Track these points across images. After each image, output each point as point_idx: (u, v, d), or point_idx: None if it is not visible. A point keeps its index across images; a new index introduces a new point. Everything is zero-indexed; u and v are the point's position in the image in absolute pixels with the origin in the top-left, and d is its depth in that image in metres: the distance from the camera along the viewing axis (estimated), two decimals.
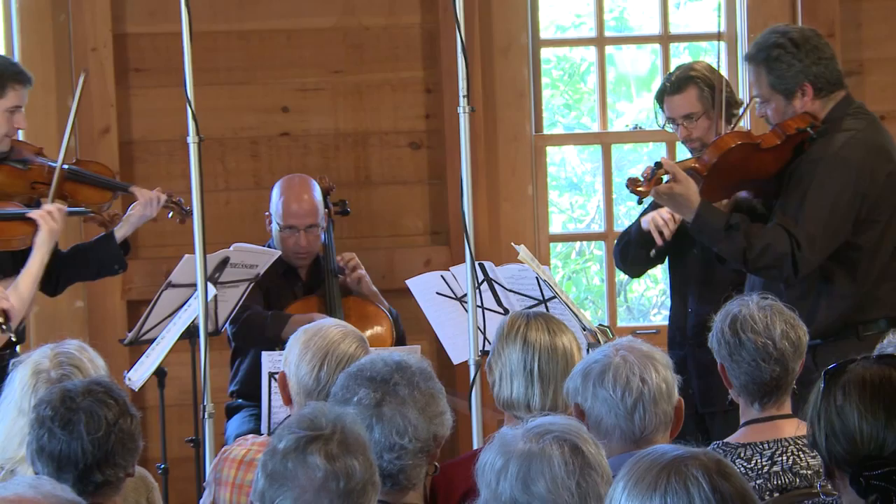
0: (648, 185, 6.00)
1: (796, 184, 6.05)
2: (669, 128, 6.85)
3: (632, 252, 6.79)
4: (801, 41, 6.07)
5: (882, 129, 6.19)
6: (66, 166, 6.72)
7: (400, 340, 7.32)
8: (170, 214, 6.97)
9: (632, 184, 6.04)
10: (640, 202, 6.35)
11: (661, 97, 6.80)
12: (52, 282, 6.80)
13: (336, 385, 4.36)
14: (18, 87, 6.61)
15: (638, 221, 6.73)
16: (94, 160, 7.35)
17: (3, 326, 5.89)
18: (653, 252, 6.64)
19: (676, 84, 6.75)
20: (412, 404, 4.23)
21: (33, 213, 6.36)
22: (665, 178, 5.97)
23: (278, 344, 6.93)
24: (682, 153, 8.20)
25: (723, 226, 5.99)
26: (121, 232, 6.88)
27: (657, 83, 8.49)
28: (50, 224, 6.36)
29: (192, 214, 6.80)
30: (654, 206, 6.64)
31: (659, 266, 7.05)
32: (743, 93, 7.89)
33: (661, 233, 6.51)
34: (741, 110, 6.78)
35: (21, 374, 4.94)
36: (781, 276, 5.97)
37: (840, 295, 6.04)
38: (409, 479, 4.24)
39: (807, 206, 5.97)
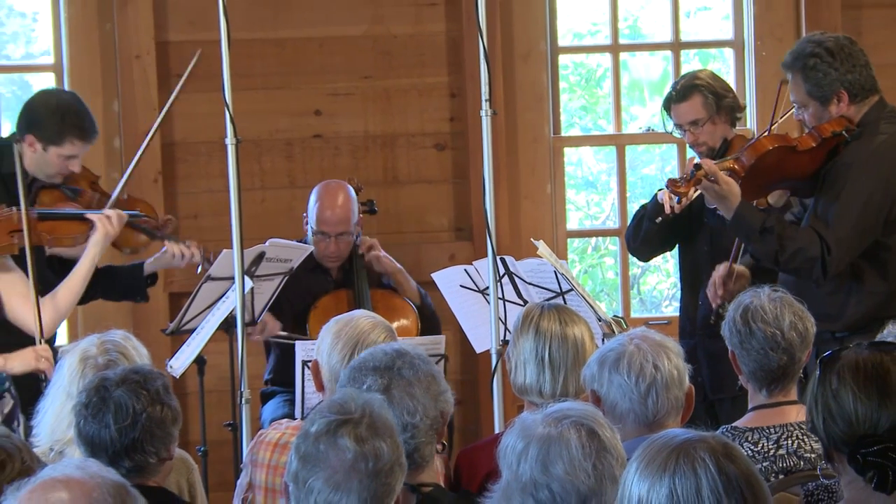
0: (688, 186, 5.98)
1: (830, 185, 6.01)
2: (677, 133, 6.85)
3: (644, 226, 6.77)
4: (836, 50, 6.03)
5: None
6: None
7: (431, 317, 7.27)
8: (198, 269, 6.90)
9: (672, 184, 6.01)
10: (679, 202, 6.33)
11: (668, 105, 6.80)
12: (87, 292, 6.78)
13: (342, 380, 4.37)
14: (77, 143, 6.55)
15: (654, 197, 6.70)
16: (143, 200, 7.30)
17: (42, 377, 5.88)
18: (658, 219, 6.55)
19: (682, 92, 6.74)
20: (417, 385, 4.24)
21: (92, 215, 6.31)
22: (708, 178, 5.94)
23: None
24: (692, 154, 8.21)
25: (759, 227, 5.95)
26: (150, 267, 6.91)
27: (668, 88, 8.49)
28: (107, 227, 6.30)
29: (210, 263, 6.80)
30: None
31: (671, 261, 7.04)
32: (749, 96, 7.87)
33: (671, 206, 6.46)
34: (781, 114, 6.74)
35: (70, 361, 4.97)
36: (811, 277, 5.94)
37: (869, 292, 6.02)
38: (423, 457, 4.24)
39: (839, 208, 5.93)
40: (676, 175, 6.21)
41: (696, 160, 6.14)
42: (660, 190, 6.66)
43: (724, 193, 5.95)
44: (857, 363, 3.60)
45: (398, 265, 7.45)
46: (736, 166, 6.06)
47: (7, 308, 6.06)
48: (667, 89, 7.06)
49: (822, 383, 3.62)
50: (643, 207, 6.82)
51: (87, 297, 6.74)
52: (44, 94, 6.70)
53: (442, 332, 7.14)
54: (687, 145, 8.14)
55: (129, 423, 4.26)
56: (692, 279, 6.79)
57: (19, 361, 5.93)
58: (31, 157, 6.53)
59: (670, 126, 6.82)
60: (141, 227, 6.89)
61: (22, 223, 6.07)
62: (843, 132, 6.01)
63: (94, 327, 6.06)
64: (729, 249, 6.34)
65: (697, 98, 6.69)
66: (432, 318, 7.25)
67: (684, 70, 8.39)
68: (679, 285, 7.02)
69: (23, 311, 6.08)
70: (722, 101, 6.71)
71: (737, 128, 6.87)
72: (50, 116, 6.51)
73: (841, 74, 6.02)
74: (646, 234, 6.79)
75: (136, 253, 7.03)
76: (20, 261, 6.17)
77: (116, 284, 6.84)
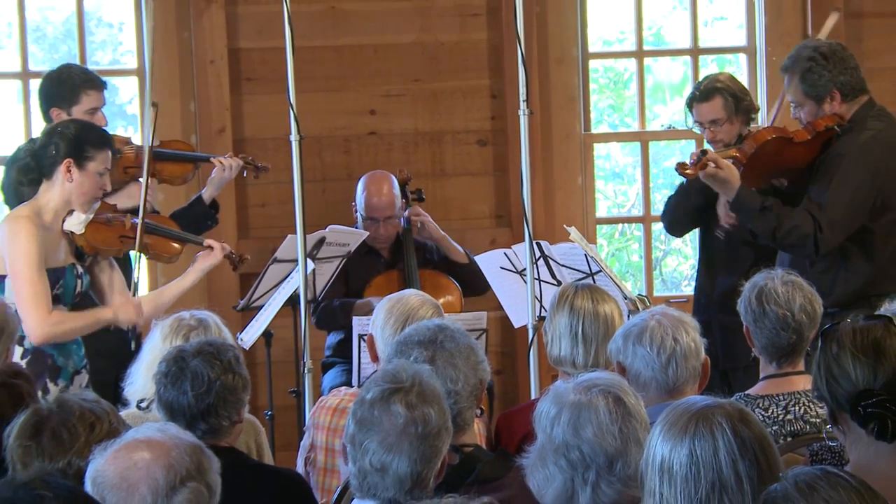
0: (695, 169, 6.01)
1: (823, 174, 6.02)
2: (697, 130, 6.82)
3: (674, 199, 6.80)
4: (830, 54, 6.05)
5: None
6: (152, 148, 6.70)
7: (477, 272, 7.17)
8: (244, 173, 6.95)
9: (681, 167, 6.06)
10: (687, 183, 6.40)
11: (690, 104, 6.78)
12: None
13: (388, 351, 4.38)
14: (92, 93, 6.58)
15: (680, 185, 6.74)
16: (175, 139, 7.39)
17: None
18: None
19: (704, 93, 6.71)
20: (458, 356, 4.24)
21: (212, 242, 6.23)
22: (711, 164, 5.96)
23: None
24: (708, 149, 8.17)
25: (758, 207, 5.99)
26: (206, 194, 6.92)
27: (688, 89, 8.44)
28: (217, 256, 6.22)
29: (264, 169, 6.82)
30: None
31: (689, 245, 7.03)
32: (762, 98, 7.83)
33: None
34: (775, 110, 6.75)
35: (162, 328, 5.01)
36: (805, 253, 5.96)
37: (856, 272, 6.01)
38: (465, 420, 4.24)
39: (830, 194, 5.94)
40: (684, 160, 6.22)
41: (704, 148, 6.14)
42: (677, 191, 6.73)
43: (726, 177, 5.98)
44: (853, 331, 3.65)
45: (442, 232, 7.45)
46: (738, 154, 6.10)
47: (107, 301, 6.05)
48: (688, 89, 7.05)
49: (825, 351, 3.66)
50: (673, 196, 6.82)
51: None
52: (48, 74, 6.71)
53: (485, 298, 7.15)
54: (705, 141, 8.14)
55: (204, 390, 4.27)
56: (709, 261, 6.78)
57: (124, 314, 5.93)
58: None
59: (691, 122, 6.80)
60: (184, 156, 6.95)
61: (136, 231, 6.07)
62: (836, 127, 6.03)
63: (175, 304, 6.10)
64: (740, 240, 6.33)
65: (718, 99, 6.66)
66: (479, 274, 7.13)
67: (702, 73, 8.37)
68: (697, 266, 6.99)
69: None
70: (740, 103, 6.69)
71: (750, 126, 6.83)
72: (57, 83, 6.56)
73: (834, 76, 6.03)
74: (677, 204, 6.80)
75: (186, 182, 7.06)
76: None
77: (188, 222, 6.75)
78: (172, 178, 6.93)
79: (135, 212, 6.30)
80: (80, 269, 5.86)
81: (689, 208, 6.77)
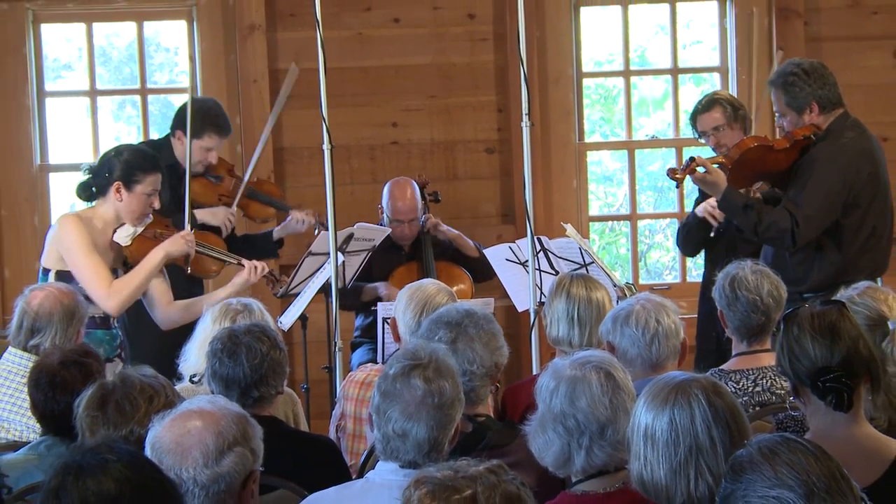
0: (683, 173, 5.99)
1: (800, 176, 6.00)
2: (703, 140, 6.76)
3: (692, 235, 6.71)
4: (811, 71, 6.03)
5: (870, 138, 6.11)
6: (247, 184, 6.75)
7: (486, 261, 7.16)
8: (316, 231, 6.90)
9: (671, 172, 6.02)
10: (677, 186, 6.41)
11: (694, 116, 6.74)
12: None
13: (421, 329, 4.38)
14: (214, 136, 6.61)
15: (693, 213, 6.67)
16: (270, 182, 7.39)
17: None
18: (712, 233, 6.58)
19: (705, 105, 6.70)
20: (479, 341, 4.24)
21: (247, 262, 6.17)
22: (699, 168, 5.94)
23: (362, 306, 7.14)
24: (686, 157, 8.16)
25: (742, 205, 5.97)
26: (278, 234, 6.98)
27: (670, 104, 8.45)
28: (252, 276, 6.15)
29: (324, 227, 6.77)
30: (703, 197, 6.61)
31: (671, 239, 6.99)
32: None
33: (713, 217, 6.49)
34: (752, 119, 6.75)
35: (212, 312, 5.01)
36: (783, 246, 5.95)
37: (829, 262, 5.99)
38: (478, 396, 4.23)
39: (806, 194, 5.92)
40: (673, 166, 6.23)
41: (692, 155, 6.12)
42: (695, 207, 6.68)
43: (714, 180, 5.97)
44: (812, 315, 3.65)
45: (455, 231, 7.45)
46: (725, 160, 6.07)
47: (151, 305, 6.02)
48: (671, 102, 7.01)
49: (787, 333, 3.67)
50: (686, 223, 6.76)
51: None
52: (192, 100, 6.64)
53: (492, 286, 7.14)
54: (684, 149, 8.14)
55: (258, 361, 4.26)
56: (716, 257, 6.66)
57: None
58: (180, 148, 6.58)
59: (696, 134, 6.76)
60: (271, 202, 6.96)
61: None
62: (812, 136, 6.00)
63: None
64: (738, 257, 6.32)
65: (718, 109, 6.66)
66: (487, 264, 7.09)
67: (682, 90, 8.38)
68: (704, 265, 6.89)
69: (163, 309, 6.03)
70: (737, 113, 6.68)
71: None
72: (193, 114, 6.50)
73: (814, 90, 6.01)
74: (695, 240, 6.71)
75: (265, 223, 7.11)
76: None
77: (254, 249, 6.84)
78: (256, 216, 7.02)
79: (209, 228, 6.35)
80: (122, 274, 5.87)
81: (690, 241, 6.76)
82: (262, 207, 6.99)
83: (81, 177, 5.91)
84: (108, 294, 5.66)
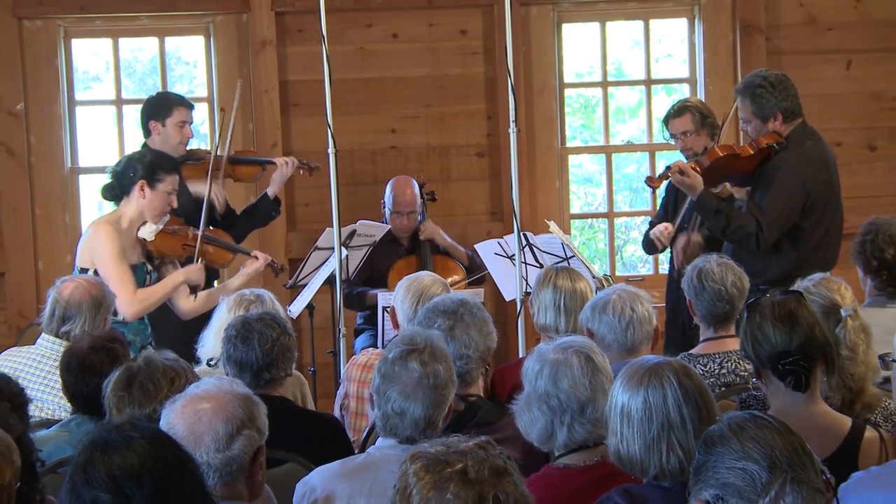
0: (659, 181, 6.08)
1: (764, 182, 6.00)
2: (672, 141, 6.83)
3: (650, 246, 6.89)
4: (777, 82, 6.02)
5: (826, 147, 6.12)
6: (227, 155, 6.76)
7: (475, 262, 7.21)
8: (301, 171, 6.95)
9: (649, 180, 6.14)
10: (653, 192, 6.62)
11: (666, 120, 6.79)
12: (242, 231, 6.83)
13: (419, 316, 4.37)
14: (182, 109, 6.60)
15: (649, 231, 6.83)
16: (247, 148, 7.46)
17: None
18: (661, 249, 6.82)
19: (676, 111, 6.74)
20: (473, 327, 4.24)
21: (258, 254, 6.22)
22: (677, 172, 5.97)
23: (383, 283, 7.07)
24: (659, 161, 8.16)
25: (714, 208, 5.98)
26: (271, 191, 6.89)
27: (644, 112, 8.45)
28: (260, 264, 6.18)
29: (316, 168, 6.85)
30: (668, 200, 6.80)
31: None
32: None
33: (660, 241, 6.69)
34: (722, 128, 6.74)
35: (227, 302, 5.00)
36: (748, 247, 5.94)
37: (785, 258, 6.00)
38: (472, 377, 4.24)
39: (770, 200, 5.93)
40: (650, 174, 6.25)
41: (670, 163, 6.14)
42: (650, 228, 6.85)
43: (692, 183, 5.98)
44: (772, 304, 3.67)
45: (449, 240, 7.44)
46: (697, 167, 6.07)
47: (178, 303, 6.04)
48: (645, 110, 7.03)
49: (750, 320, 3.69)
50: (648, 233, 6.89)
51: (244, 234, 6.83)
52: (145, 100, 6.77)
53: (484, 280, 7.14)
54: (656, 153, 8.13)
55: (269, 346, 4.25)
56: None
57: (193, 273, 5.96)
58: (157, 138, 6.57)
59: (667, 135, 6.81)
60: (254, 161, 6.95)
61: (197, 241, 6.08)
62: (775, 144, 6.00)
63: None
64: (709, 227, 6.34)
65: (687, 115, 6.69)
66: (478, 267, 7.16)
67: (655, 100, 8.38)
68: (670, 260, 6.94)
69: (183, 302, 6.05)
70: (705, 120, 6.71)
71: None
72: (155, 102, 6.61)
73: (779, 101, 6.00)
74: (653, 249, 6.91)
75: (255, 181, 7.07)
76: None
77: (257, 216, 6.86)
78: (245, 177, 6.99)
79: (198, 202, 6.35)
80: (149, 267, 5.94)
81: (651, 249, 6.94)
82: (247, 168, 6.92)
83: (106, 179, 5.93)
84: (132, 301, 5.72)
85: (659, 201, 7.19)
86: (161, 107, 6.57)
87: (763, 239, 5.90)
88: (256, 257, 6.23)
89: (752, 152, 6.02)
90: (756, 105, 6.01)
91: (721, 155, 6.06)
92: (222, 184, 6.72)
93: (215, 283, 6.70)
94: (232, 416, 3.05)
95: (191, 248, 6.03)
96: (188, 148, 6.71)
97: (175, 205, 5.90)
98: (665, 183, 6.04)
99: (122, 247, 5.73)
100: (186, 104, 6.66)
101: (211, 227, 6.42)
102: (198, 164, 6.71)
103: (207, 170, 6.55)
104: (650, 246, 6.90)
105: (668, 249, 6.87)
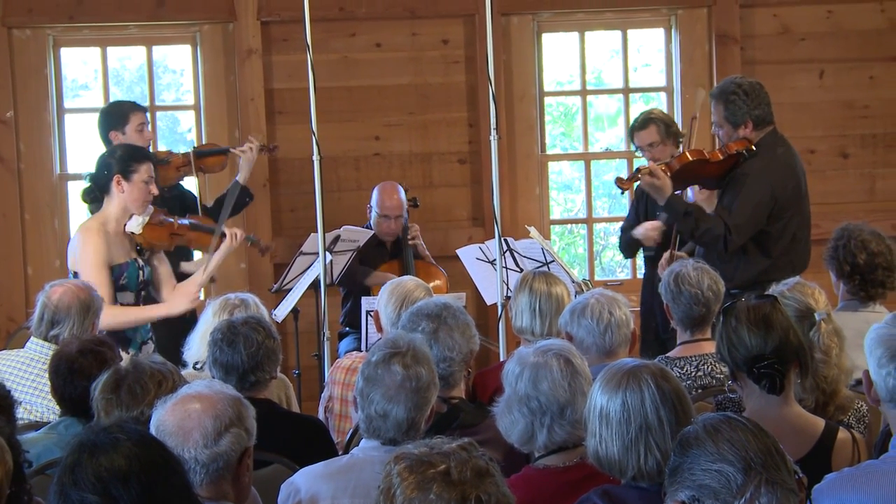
0: (629, 182, 6.07)
1: (733, 188, 6.00)
2: (639, 153, 6.84)
3: (631, 246, 6.90)
4: (750, 90, 6.03)
5: (794, 154, 6.13)
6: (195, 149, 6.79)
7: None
8: (264, 153, 7.03)
9: (619, 181, 6.10)
10: (622, 193, 6.65)
11: (632, 133, 6.81)
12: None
13: (402, 320, 4.37)
14: (138, 113, 6.54)
15: (629, 232, 6.82)
16: (210, 142, 7.46)
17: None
18: (646, 252, 6.81)
19: (641, 123, 6.75)
20: (456, 330, 4.23)
21: (227, 231, 6.16)
22: (647, 175, 5.97)
23: (365, 289, 7.05)
24: (636, 167, 8.17)
25: (683, 211, 5.99)
26: (241, 177, 6.82)
27: (622, 120, 8.47)
28: (233, 243, 6.12)
29: (275, 148, 6.99)
30: (639, 203, 6.84)
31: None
32: (681, 124, 7.80)
33: (652, 239, 6.67)
34: (689, 133, 6.77)
35: (213, 306, 4.99)
36: (717, 250, 5.95)
37: (754, 263, 6.00)
38: (455, 379, 4.24)
39: (738, 206, 5.93)
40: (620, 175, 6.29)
41: (639, 166, 6.14)
42: (631, 228, 6.84)
43: (660, 186, 5.97)
44: (748, 308, 3.67)
45: (427, 252, 7.48)
46: (666, 169, 6.07)
47: (162, 287, 6.03)
48: (624, 118, 7.06)
49: (726, 324, 3.69)
50: (625, 233, 6.91)
51: (220, 223, 6.76)
52: (99, 112, 6.69)
53: (464, 282, 7.15)
54: (634, 160, 8.14)
55: (254, 349, 4.25)
56: (654, 263, 6.72)
57: (175, 308, 5.89)
58: None
59: (633, 148, 6.84)
60: (216, 152, 6.93)
61: (183, 230, 6.06)
62: (744, 151, 6.01)
63: (223, 288, 6.07)
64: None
65: (653, 127, 6.70)
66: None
67: (633, 108, 8.40)
68: (645, 263, 6.97)
69: (168, 291, 6.03)
70: (670, 130, 6.73)
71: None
72: (110, 113, 6.57)
73: (750, 109, 6.01)
74: (634, 250, 6.95)
75: (223, 169, 7.01)
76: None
77: (231, 202, 6.68)
78: (213, 167, 6.95)
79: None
80: (140, 262, 5.89)
81: (630, 248, 6.98)
82: (213, 158, 6.90)
83: (84, 184, 5.93)
84: (105, 314, 5.60)
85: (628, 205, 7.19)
86: (117, 116, 6.52)
87: (731, 241, 5.91)
88: (230, 236, 6.16)
89: (721, 158, 6.04)
90: (728, 111, 6.03)
91: (691, 159, 6.08)
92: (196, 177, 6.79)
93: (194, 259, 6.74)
94: (221, 413, 3.06)
95: (178, 237, 6.03)
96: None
97: (156, 192, 5.86)
98: (638, 183, 6.04)
99: (106, 253, 5.70)
100: (140, 108, 6.64)
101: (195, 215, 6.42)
102: (165, 165, 6.68)
103: (178, 166, 6.58)
104: (629, 248, 6.91)
105: (642, 252, 6.89)
